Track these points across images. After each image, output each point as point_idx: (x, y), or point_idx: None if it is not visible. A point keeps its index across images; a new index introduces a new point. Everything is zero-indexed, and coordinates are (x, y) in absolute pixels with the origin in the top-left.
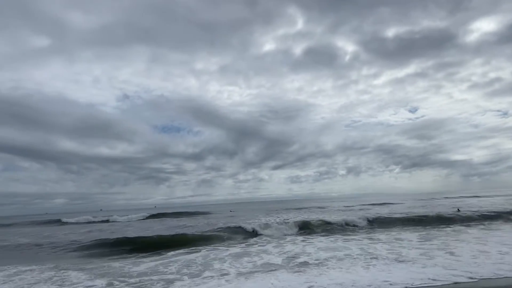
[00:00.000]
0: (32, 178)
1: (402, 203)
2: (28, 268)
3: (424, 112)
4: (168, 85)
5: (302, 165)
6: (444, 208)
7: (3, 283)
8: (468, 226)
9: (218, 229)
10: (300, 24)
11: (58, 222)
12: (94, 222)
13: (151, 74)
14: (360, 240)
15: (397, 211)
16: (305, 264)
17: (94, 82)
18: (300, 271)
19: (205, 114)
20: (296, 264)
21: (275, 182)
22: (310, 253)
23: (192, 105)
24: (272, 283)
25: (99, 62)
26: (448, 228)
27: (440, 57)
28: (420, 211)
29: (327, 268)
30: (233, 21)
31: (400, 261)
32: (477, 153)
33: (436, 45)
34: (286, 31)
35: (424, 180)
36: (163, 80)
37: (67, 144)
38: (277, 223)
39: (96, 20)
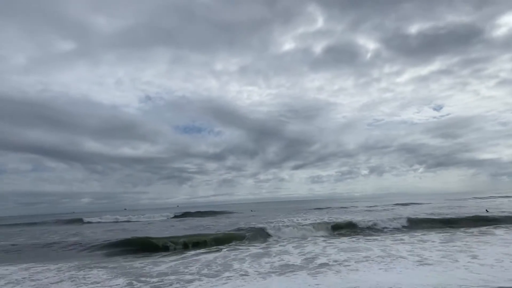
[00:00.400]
0: (59, 178)
1: (427, 203)
2: (54, 266)
3: (450, 110)
4: (189, 86)
5: (323, 164)
6: (472, 208)
7: (31, 280)
8: (497, 227)
9: (239, 229)
10: (320, 22)
11: (80, 221)
12: (115, 222)
13: (172, 75)
14: (383, 240)
15: (422, 211)
16: (323, 265)
17: (117, 84)
18: (317, 273)
19: (225, 114)
20: (314, 266)
21: (296, 182)
22: (330, 254)
23: (213, 106)
24: (286, 286)
25: (122, 64)
26: (475, 229)
27: (466, 53)
28: (446, 211)
29: (346, 270)
30: (252, 21)
31: (421, 264)
32: (506, 152)
33: (461, 41)
34: (305, 30)
35: (450, 180)
36: (184, 81)
37: (92, 145)
38: (298, 223)
39: (119, 23)
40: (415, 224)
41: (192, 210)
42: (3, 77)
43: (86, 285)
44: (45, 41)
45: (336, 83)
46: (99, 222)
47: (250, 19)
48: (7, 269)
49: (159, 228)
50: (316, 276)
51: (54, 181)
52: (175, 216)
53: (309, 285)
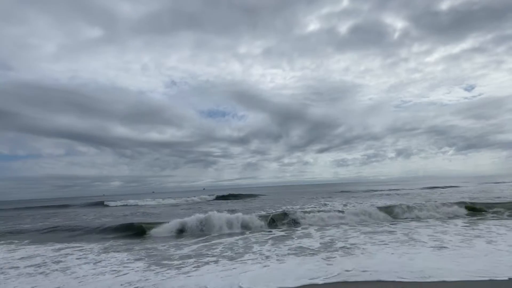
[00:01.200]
0: (90, 162)
1: (458, 187)
2: (78, 248)
3: (482, 90)
4: (213, 70)
5: (348, 148)
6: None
7: (57, 263)
8: None
9: (265, 213)
10: (345, 1)
11: (102, 205)
12: (135, 205)
13: (196, 60)
14: (408, 223)
15: (457, 195)
16: (339, 249)
17: (143, 70)
18: (331, 256)
19: (249, 98)
20: (330, 249)
21: (321, 166)
22: (350, 238)
23: (236, 90)
24: (296, 267)
25: (147, 50)
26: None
27: (501, 29)
28: (479, 195)
29: (361, 254)
30: (276, 2)
31: (437, 249)
32: None
33: (496, 16)
34: (330, 10)
35: (482, 163)
36: (208, 66)
37: (121, 130)
38: (324, 205)
39: (143, 9)
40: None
41: (219, 193)
42: (36, 64)
43: (105, 267)
44: (73, 29)
45: (362, 64)
46: (124, 205)
47: (273, 1)
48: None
49: (185, 211)
50: (327, 259)
51: (86, 165)
52: (210, 200)
53: (319, 267)
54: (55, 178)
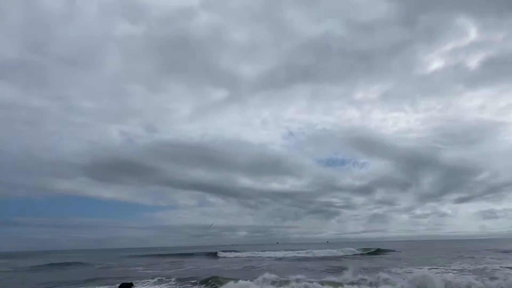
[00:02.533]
0: (219, 212)
1: None
2: None
3: None
4: (329, 118)
5: (496, 197)
6: None
7: None
8: None
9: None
10: (473, 33)
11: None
12: (249, 257)
13: (312, 110)
14: None
15: None
16: None
17: (263, 124)
18: None
19: (369, 144)
20: None
21: (462, 218)
22: None
23: (355, 136)
24: None
25: (266, 105)
26: None
27: None
28: None
29: None
30: (391, 45)
31: None
32: None
33: None
34: (456, 45)
35: None
36: (325, 114)
37: (245, 181)
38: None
39: (261, 67)
40: None
41: (344, 247)
42: (174, 126)
43: None
44: (203, 92)
45: (502, 99)
46: (236, 257)
47: (388, 43)
48: None
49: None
50: None
51: (215, 215)
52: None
53: None
54: (189, 227)
